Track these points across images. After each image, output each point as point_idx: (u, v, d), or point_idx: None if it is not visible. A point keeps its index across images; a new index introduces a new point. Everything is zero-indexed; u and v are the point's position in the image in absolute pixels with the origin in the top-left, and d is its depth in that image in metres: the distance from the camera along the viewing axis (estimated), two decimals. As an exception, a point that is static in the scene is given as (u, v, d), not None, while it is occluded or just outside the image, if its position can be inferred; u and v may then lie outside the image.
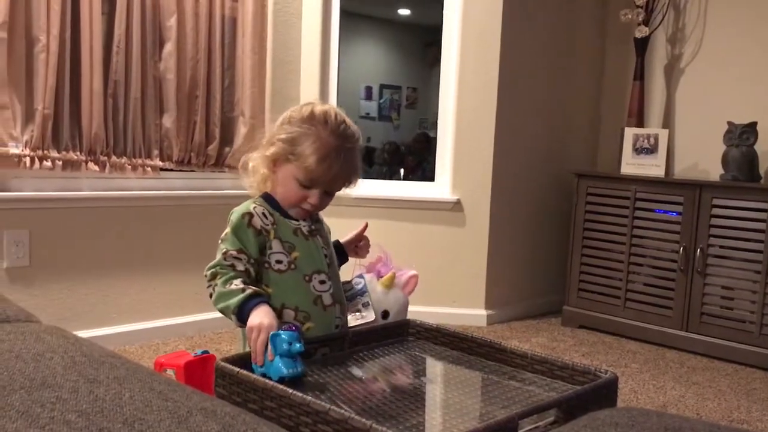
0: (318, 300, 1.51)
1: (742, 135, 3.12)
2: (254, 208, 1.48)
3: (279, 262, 1.48)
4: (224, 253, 1.44)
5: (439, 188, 3.49)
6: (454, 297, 3.46)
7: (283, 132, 1.49)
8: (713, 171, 3.37)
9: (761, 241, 2.93)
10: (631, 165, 3.45)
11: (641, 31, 3.53)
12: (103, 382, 0.89)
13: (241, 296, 1.37)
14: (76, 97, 2.64)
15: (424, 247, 3.43)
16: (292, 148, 1.47)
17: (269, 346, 1.27)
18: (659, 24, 3.61)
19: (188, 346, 2.82)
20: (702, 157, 3.52)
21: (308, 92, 3.38)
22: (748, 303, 2.99)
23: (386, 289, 1.80)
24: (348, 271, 1.77)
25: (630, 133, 3.48)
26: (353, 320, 1.71)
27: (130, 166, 2.80)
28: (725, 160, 3.18)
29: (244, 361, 1.29)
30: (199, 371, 1.86)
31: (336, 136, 1.47)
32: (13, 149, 2.50)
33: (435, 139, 3.57)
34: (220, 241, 1.48)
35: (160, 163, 2.91)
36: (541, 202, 3.73)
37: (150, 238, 2.93)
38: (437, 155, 3.51)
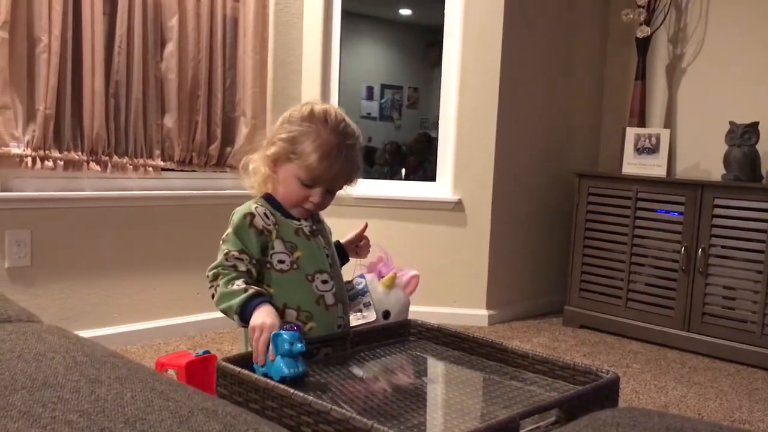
0: (320, 300, 1.51)
1: (743, 135, 3.12)
2: (256, 208, 1.49)
3: (281, 262, 1.48)
4: (226, 254, 1.44)
5: (441, 188, 3.49)
6: (455, 297, 3.46)
7: (283, 131, 1.50)
8: (715, 171, 3.37)
9: (763, 241, 2.93)
10: (633, 165, 3.44)
11: (643, 31, 3.53)
12: (105, 382, 0.89)
13: (243, 296, 1.37)
14: (78, 97, 2.64)
15: (425, 247, 3.43)
16: (293, 147, 1.47)
17: (271, 346, 1.27)
18: (661, 24, 3.61)
19: (190, 346, 2.83)
20: (704, 157, 3.52)
21: (309, 92, 3.38)
22: (749, 303, 2.99)
23: (387, 289, 1.80)
24: (349, 272, 1.77)
25: (631, 132, 3.48)
26: (354, 320, 1.71)
27: (131, 166, 2.81)
28: (727, 160, 3.18)
29: (245, 360, 1.29)
30: (201, 371, 1.86)
31: (336, 134, 1.48)
32: (15, 149, 2.50)
33: (436, 139, 3.58)
34: (221, 242, 1.48)
35: (162, 163, 2.91)
36: (543, 202, 3.73)
37: (151, 238, 2.94)
38: (438, 155, 3.51)
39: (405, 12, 5.24)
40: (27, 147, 2.52)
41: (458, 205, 3.44)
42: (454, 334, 1.56)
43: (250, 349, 1.33)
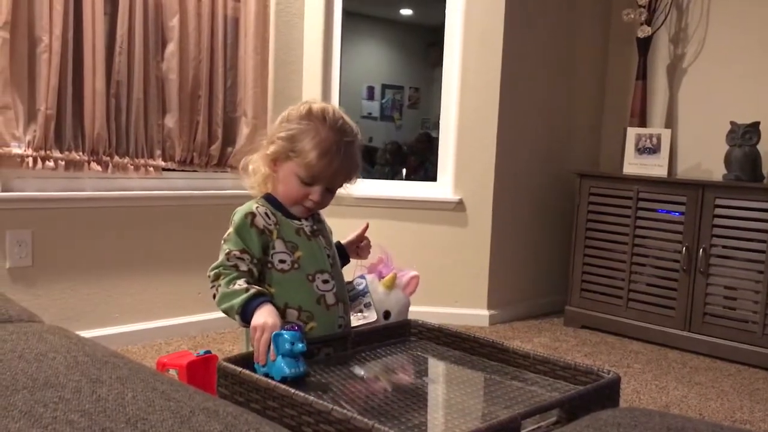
0: (321, 299, 1.51)
1: (744, 135, 3.12)
2: (257, 208, 1.49)
3: (282, 261, 1.48)
4: (227, 254, 1.44)
5: (442, 188, 3.49)
6: (456, 297, 3.46)
7: (282, 130, 1.50)
8: (716, 171, 3.36)
9: (764, 241, 2.93)
10: (634, 165, 3.44)
11: (644, 31, 3.53)
12: (106, 382, 0.89)
13: (244, 296, 1.37)
14: (79, 98, 2.64)
15: (426, 247, 3.43)
16: (292, 145, 1.48)
17: (272, 346, 1.27)
18: (662, 24, 3.61)
19: (191, 346, 2.83)
20: (705, 157, 3.52)
21: (310, 92, 3.38)
22: (750, 303, 2.99)
23: (388, 289, 1.80)
24: (350, 272, 1.77)
25: (632, 132, 3.48)
26: (355, 321, 1.71)
27: (132, 167, 2.81)
28: (728, 160, 3.18)
29: (246, 360, 1.29)
30: (202, 371, 1.86)
31: (335, 131, 1.48)
32: (16, 149, 2.50)
33: (437, 139, 3.58)
34: (222, 242, 1.48)
35: (163, 164, 2.91)
36: (544, 202, 3.73)
37: (152, 238, 2.94)
38: (439, 155, 3.51)
39: (406, 12, 5.24)
40: (28, 147, 2.52)
41: (459, 205, 3.44)
42: (455, 334, 1.56)
43: (251, 349, 1.33)
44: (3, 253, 2.55)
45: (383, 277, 1.82)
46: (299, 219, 1.54)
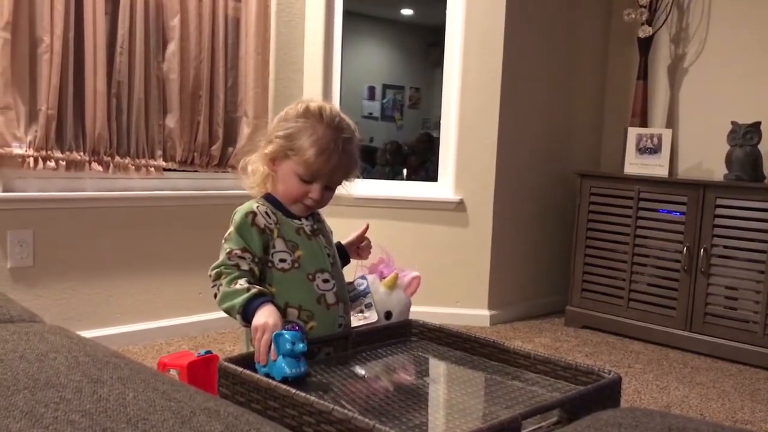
0: (321, 299, 1.51)
1: (745, 135, 3.12)
2: (257, 207, 1.49)
3: (282, 260, 1.48)
4: (228, 253, 1.44)
5: (442, 188, 3.49)
6: (457, 297, 3.46)
7: (280, 129, 1.51)
8: (717, 171, 3.36)
9: (765, 241, 2.92)
10: (635, 165, 3.44)
11: (644, 31, 3.53)
12: (107, 382, 0.89)
13: (245, 296, 1.37)
14: (80, 98, 2.64)
15: (427, 247, 3.43)
16: (291, 144, 1.48)
17: (272, 346, 1.27)
18: (663, 23, 3.61)
19: (191, 346, 2.83)
20: (706, 156, 3.51)
21: (311, 92, 3.38)
22: (751, 303, 2.99)
23: (389, 290, 1.80)
24: (350, 273, 1.77)
25: (633, 132, 3.48)
26: (356, 321, 1.71)
27: (133, 167, 2.81)
28: (729, 160, 3.17)
29: (247, 361, 1.29)
30: (203, 371, 1.86)
31: (332, 129, 1.49)
32: (17, 150, 2.50)
33: (438, 139, 3.58)
34: (223, 241, 1.48)
35: (164, 164, 2.91)
36: (544, 202, 3.73)
37: (153, 239, 2.94)
38: (440, 155, 3.51)
39: (407, 12, 5.24)
40: (29, 147, 2.53)
41: (460, 206, 3.44)
42: (455, 335, 1.56)
43: (251, 349, 1.33)
44: (4, 254, 2.55)
45: (384, 278, 1.82)
46: (299, 218, 1.54)
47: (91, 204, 2.75)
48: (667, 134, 3.39)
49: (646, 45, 3.58)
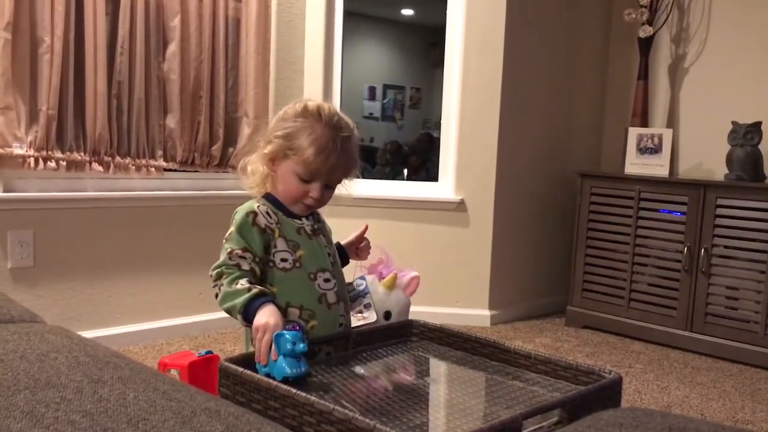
0: (322, 298, 1.51)
1: (746, 135, 3.12)
2: (258, 207, 1.49)
3: (284, 260, 1.48)
4: (229, 253, 1.44)
5: (443, 188, 3.49)
6: (457, 297, 3.46)
7: (279, 129, 1.51)
8: (717, 171, 3.36)
9: (765, 241, 2.92)
10: (635, 165, 3.44)
11: (645, 31, 3.53)
12: (108, 382, 0.89)
13: (247, 296, 1.37)
14: (80, 98, 2.65)
15: (427, 247, 3.43)
16: (290, 143, 1.48)
17: (273, 346, 1.27)
18: (663, 23, 3.60)
19: (192, 346, 2.83)
20: (706, 156, 3.51)
21: (312, 93, 3.38)
22: (752, 303, 2.99)
23: (388, 290, 1.80)
24: (350, 273, 1.77)
25: (634, 132, 3.47)
26: (355, 321, 1.71)
27: (134, 167, 2.81)
28: (729, 160, 3.17)
29: (247, 361, 1.30)
30: (203, 371, 1.86)
31: (331, 128, 1.49)
32: (18, 150, 2.50)
33: (438, 139, 3.58)
34: (224, 241, 1.48)
35: (164, 164, 2.91)
36: (545, 202, 3.73)
37: (154, 239, 2.94)
38: (441, 155, 3.51)
39: (407, 12, 5.24)
40: (30, 147, 2.53)
41: (460, 206, 3.44)
42: (456, 335, 1.56)
43: (252, 349, 1.33)
44: (5, 254, 2.55)
45: (383, 278, 1.82)
46: (300, 218, 1.55)
47: (91, 204, 2.75)
48: (667, 134, 3.39)
49: (646, 45, 3.58)
